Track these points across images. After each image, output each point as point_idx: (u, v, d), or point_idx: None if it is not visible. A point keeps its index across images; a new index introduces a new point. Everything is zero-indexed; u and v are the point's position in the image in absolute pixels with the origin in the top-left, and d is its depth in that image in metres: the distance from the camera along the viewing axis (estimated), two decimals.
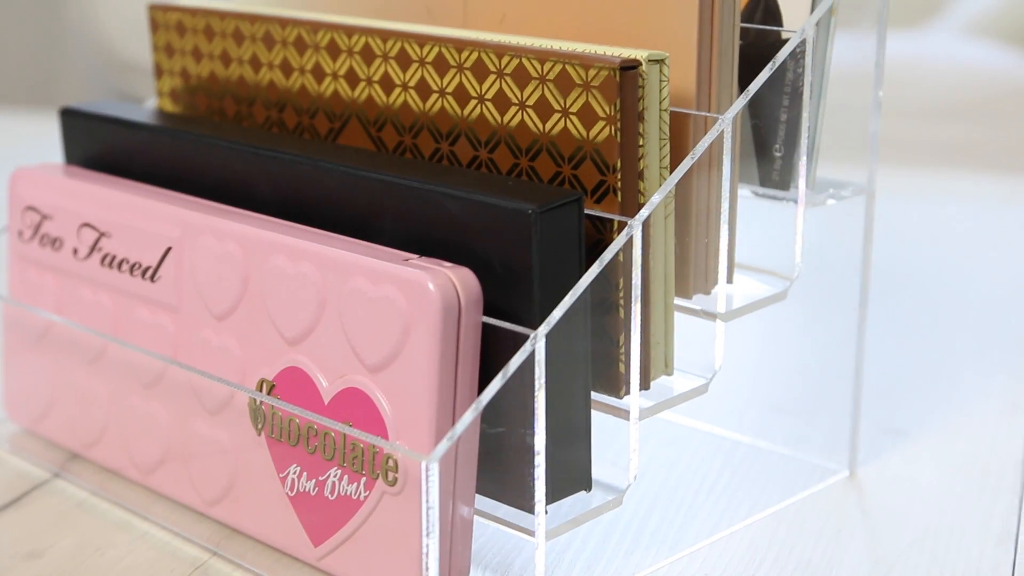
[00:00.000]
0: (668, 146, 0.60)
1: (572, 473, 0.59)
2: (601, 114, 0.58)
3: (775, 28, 0.65)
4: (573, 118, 0.59)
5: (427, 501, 0.53)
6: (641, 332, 0.60)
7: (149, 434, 0.67)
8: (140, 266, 0.66)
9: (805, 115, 0.64)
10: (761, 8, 0.66)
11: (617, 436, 0.64)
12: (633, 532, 0.66)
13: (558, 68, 0.59)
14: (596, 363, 0.60)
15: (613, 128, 0.58)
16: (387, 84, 0.65)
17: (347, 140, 0.68)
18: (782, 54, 0.62)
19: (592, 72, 0.58)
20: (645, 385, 0.62)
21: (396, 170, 0.60)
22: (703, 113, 0.61)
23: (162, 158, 0.70)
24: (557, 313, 0.55)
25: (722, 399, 0.79)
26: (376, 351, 0.57)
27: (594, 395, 0.61)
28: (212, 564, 0.63)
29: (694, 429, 0.77)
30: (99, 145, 0.73)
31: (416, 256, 0.57)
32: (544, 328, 0.55)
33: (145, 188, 0.68)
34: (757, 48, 0.66)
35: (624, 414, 0.60)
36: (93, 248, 0.68)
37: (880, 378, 0.83)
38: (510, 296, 0.57)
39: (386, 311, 0.56)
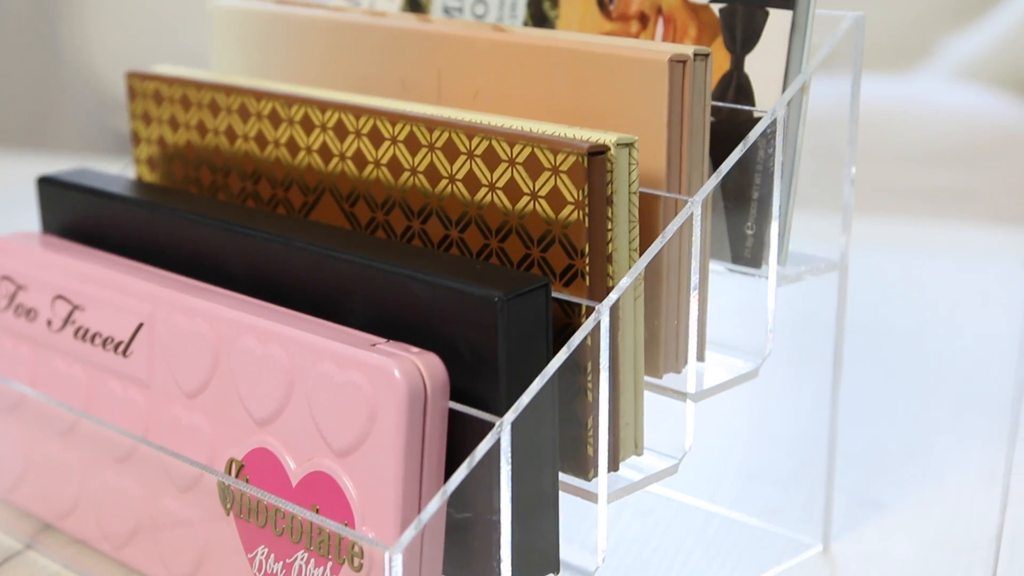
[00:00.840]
0: (637, 228, 0.60)
1: (539, 556, 0.59)
2: (569, 198, 0.58)
3: (749, 108, 0.65)
4: (542, 201, 0.59)
5: None
6: (610, 415, 0.60)
7: (120, 508, 0.67)
8: (112, 340, 0.66)
9: (776, 194, 0.64)
10: (733, 85, 0.67)
11: (588, 514, 0.64)
12: None
13: (527, 151, 0.59)
14: (565, 445, 0.61)
15: (581, 213, 0.58)
16: (360, 160, 0.65)
17: (321, 214, 0.68)
18: (752, 135, 0.63)
19: (561, 156, 0.58)
20: (614, 467, 0.62)
21: (365, 251, 0.61)
22: (673, 195, 0.62)
23: (136, 230, 0.70)
24: (524, 400, 0.55)
25: (699, 468, 0.79)
26: (342, 436, 0.57)
27: (563, 477, 0.61)
28: None
29: (669, 499, 0.77)
30: (75, 215, 0.73)
31: (384, 340, 0.57)
32: (510, 415, 0.55)
33: (118, 261, 0.69)
34: (729, 126, 0.66)
35: (593, 496, 0.60)
36: (67, 320, 0.68)
37: (856, 447, 0.83)
38: (477, 382, 0.57)
39: (352, 396, 0.56)
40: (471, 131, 0.61)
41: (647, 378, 0.64)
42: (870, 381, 0.95)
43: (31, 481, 0.72)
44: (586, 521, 0.66)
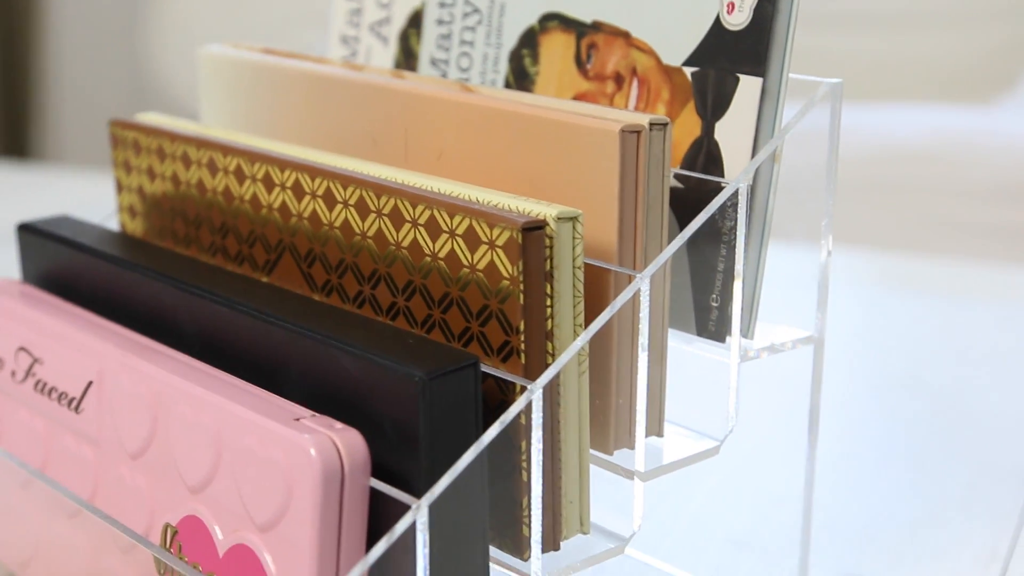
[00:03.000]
0: (582, 303, 0.58)
1: None
2: (505, 274, 0.56)
3: (712, 179, 0.63)
4: (480, 274, 0.57)
5: None
6: (551, 493, 0.59)
7: (71, 562, 0.66)
8: (66, 396, 0.66)
9: (739, 267, 0.62)
10: (703, 152, 0.64)
11: None
12: None
13: (466, 223, 0.57)
14: (503, 524, 0.59)
15: (516, 289, 0.56)
16: (315, 221, 0.64)
17: (281, 272, 0.67)
18: (712, 206, 0.60)
19: (496, 231, 0.56)
20: (554, 546, 0.60)
21: (303, 319, 0.59)
22: (620, 269, 0.59)
23: (101, 284, 0.69)
24: (443, 483, 0.54)
25: (686, 537, 0.76)
26: (263, 511, 0.56)
27: (501, 556, 0.59)
28: None
29: (647, 565, 0.75)
30: (49, 264, 0.73)
31: (309, 414, 0.56)
32: (428, 497, 0.53)
33: (81, 315, 0.68)
34: (699, 193, 0.64)
35: None
36: (28, 372, 0.68)
37: (850, 519, 0.80)
38: (400, 460, 0.55)
39: (271, 472, 0.55)
40: (415, 199, 0.59)
41: (597, 454, 0.62)
42: (883, 443, 0.91)
43: None
44: None
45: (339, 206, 0.63)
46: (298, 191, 0.65)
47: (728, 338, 0.64)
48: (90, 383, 0.64)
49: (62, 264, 0.72)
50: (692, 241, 0.64)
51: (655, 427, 0.63)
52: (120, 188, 0.76)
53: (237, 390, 0.59)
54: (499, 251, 0.56)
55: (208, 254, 0.71)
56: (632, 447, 0.62)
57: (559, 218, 0.56)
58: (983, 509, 0.82)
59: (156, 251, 0.70)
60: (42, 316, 0.68)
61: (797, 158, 0.97)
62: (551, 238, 0.56)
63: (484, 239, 0.57)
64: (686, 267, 0.64)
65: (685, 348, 0.66)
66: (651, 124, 0.59)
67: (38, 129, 2.51)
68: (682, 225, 0.64)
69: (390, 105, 0.68)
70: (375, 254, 0.62)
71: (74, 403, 0.65)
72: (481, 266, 0.57)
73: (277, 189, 0.66)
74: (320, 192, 0.64)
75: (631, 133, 0.59)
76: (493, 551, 0.60)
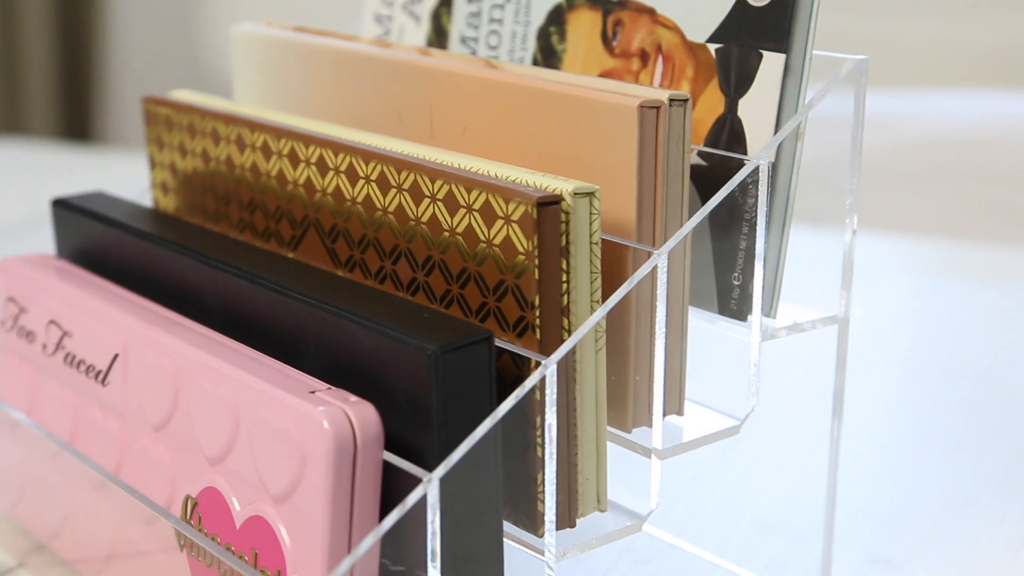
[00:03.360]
0: (599, 279, 0.58)
1: None
2: (520, 249, 0.56)
3: (734, 155, 0.63)
4: (496, 250, 0.57)
5: None
6: (567, 470, 0.59)
7: (97, 533, 0.67)
8: (93, 369, 0.67)
9: (760, 244, 0.61)
10: (727, 130, 0.64)
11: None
12: None
13: (483, 198, 0.57)
14: (517, 500, 0.59)
15: (531, 264, 0.56)
16: (339, 197, 0.65)
17: (306, 249, 0.67)
18: (730, 185, 0.60)
19: (512, 206, 0.56)
20: (570, 523, 0.60)
21: (322, 293, 0.60)
22: (638, 246, 0.59)
23: (131, 259, 0.70)
24: (455, 456, 0.54)
25: (711, 518, 0.76)
26: (278, 482, 0.56)
27: (516, 532, 0.59)
28: None
29: (673, 546, 0.75)
30: (82, 239, 0.74)
31: (325, 387, 0.56)
32: (440, 470, 0.54)
33: (109, 289, 0.69)
34: (720, 171, 0.64)
35: (541, 552, 0.58)
36: (58, 346, 0.69)
37: (883, 502, 0.80)
38: (414, 434, 0.56)
39: (286, 444, 0.55)
40: (434, 174, 0.60)
41: (615, 431, 0.62)
42: (920, 428, 0.90)
43: (28, 500, 0.73)
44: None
45: (361, 181, 0.63)
46: (322, 167, 0.65)
47: (750, 317, 0.63)
48: (116, 356, 0.65)
49: (94, 239, 0.73)
50: (714, 219, 0.63)
51: (675, 406, 0.63)
52: (153, 165, 0.77)
53: (255, 363, 0.59)
54: (514, 226, 0.56)
55: (236, 230, 0.71)
56: (651, 425, 0.62)
57: (575, 193, 0.56)
58: (1019, 494, 0.81)
59: (183, 226, 0.71)
60: (72, 290, 0.69)
61: (827, 139, 0.97)
62: (567, 213, 0.56)
63: (500, 214, 0.57)
64: (709, 246, 0.64)
65: (708, 327, 0.65)
66: (671, 100, 0.59)
67: (98, 112, 2.54)
68: (705, 203, 0.64)
69: (416, 82, 0.68)
70: (396, 229, 0.62)
71: (101, 375, 0.66)
72: (497, 241, 0.57)
73: (302, 165, 0.66)
74: (343, 168, 0.64)
75: (650, 109, 0.59)
76: (508, 527, 0.60)
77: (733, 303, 0.64)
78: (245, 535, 0.58)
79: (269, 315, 0.62)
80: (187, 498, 0.61)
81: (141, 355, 0.64)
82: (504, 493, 0.59)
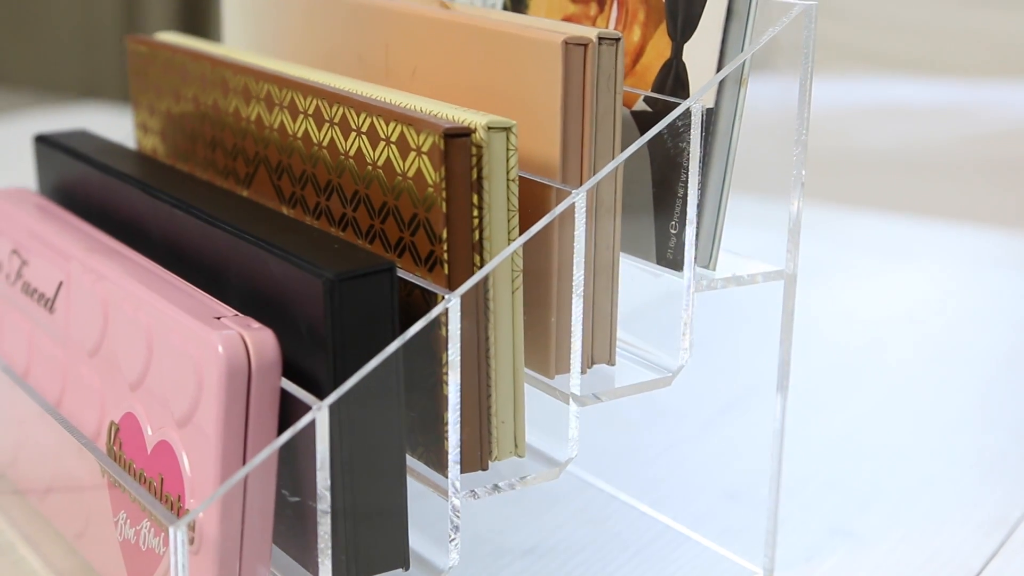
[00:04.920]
0: (516, 218, 0.57)
1: (385, 549, 0.57)
2: (429, 181, 0.56)
3: (672, 99, 0.61)
4: (410, 183, 0.57)
5: (176, 568, 0.52)
6: (478, 410, 0.58)
7: (42, 462, 0.68)
8: (44, 297, 0.67)
9: (692, 191, 0.60)
10: (672, 76, 0.63)
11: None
12: None
13: (399, 131, 0.57)
14: (428, 441, 0.58)
15: (439, 197, 0.55)
16: (283, 133, 0.65)
17: (257, 187, 0.67)
18: (659, 126, 0.59)
19: (422, 137, 0.56)
20: (482, 466, 0.59)
21: (243, 225, 0.60)
22: (557, 185, 0.58)
23: (95, 194, 0.71)
24: (346, 385, 0.53)
25: (681, 484, 0.74)
26: (180, 406, 0.56)
27: (425, 471, 0.59)
28: None
29: (631, 507, 0.74)
30: (57, 174, 0.75)
31: (232, 314, 0.56)
32: (331, 399, 0.53)
33: (69, 222, 0.70)
34: (662, 117, 0.62)
35: (445, 493, 0.57)
36: (18, 275, 0.70)
37: (854, 476, 0.77)
38: (313, 363, 0.55)
39: (186, 367, 0.55)
40: (360, 107, 0.59)
41: (537, 376, 0.61)
42: (901, 398, 0.88)
43: None
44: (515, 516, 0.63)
45: (300, 116, 0.63)
46: (269, 103, 0.65)
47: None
48: (60, 283, 0.66)
49: (65, 175, 0.74)
50: (654, 166, 0.62)
51: (605, 355, 0.62)
52: (135, 105, 0.78)
53: (175, 290, 0.59)
54: (424, 158, 0.56)
55: (201, 168, 0.72)
56: (581, 372, 0.61)
57: (490, 127, 0.55)
58: (1002, 476, 0.78)
59: (143, 164, 0.71)
60: (34, 222, 0.70)
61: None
62: (479, 147, 0.55)
63: (413, 146, 0.56)
64: (650, 194, 0.63)
65: (653, 279, 0.64)
66: (600, 38, 0.58)
67: None
68: (651, 150, 0.63)
69: (374, 23, 0.68)
70: (328, 164, 0.62)
71: (49, 303, 0.67)
72: (411, 173, 0.57)
73: (253, 102, 0.66)
74: (286, 103, 0.64)
75: (576, 46, 0.57)
76: (420, 466, 0.59)
77: (670, 252, 0.62)
78: (154, 460, 0.58)
79: (199, 245, 0.62)
80: (111, 424, 0.62)
81: (79, 282, 0.64)
82: (417, 433, 0.59)
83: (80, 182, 0.72)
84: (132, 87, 0.77)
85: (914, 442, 0.83)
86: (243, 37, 0.79)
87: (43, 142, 0.76)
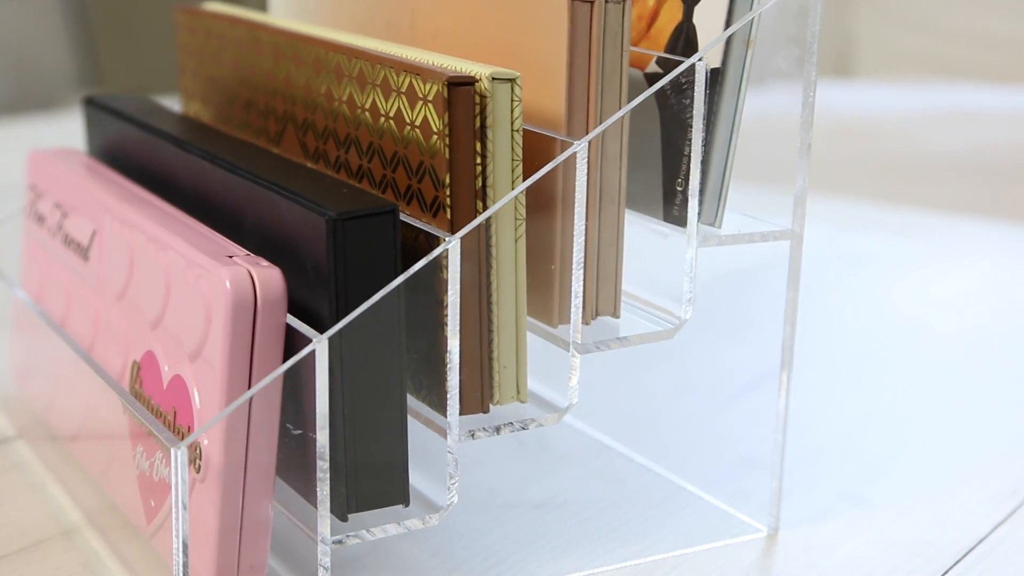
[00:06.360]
0: (520, 167, 0.59)
1: (385, 485, 0.59)
2: (434, 128, 0.58)
3: (678, 59, 0.63)
4: (417, 131, 0.59)
5: (177, 489, 0.54)
6: (479, 354, 0.60)
7: (74, 405, 0.71)
8: (81, 247, 0.70)
9: (695, 149, 0.61)
10: (683, 38, 0.64)
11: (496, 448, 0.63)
12: (498, 553, 0.65)
13: (408, 81, 0.59)
14: (432, 383, 0.60)
15: (442, 144, 0.57)
16: (308, 91, 0.67)
17: (286, 144, 0.70)
18: (662, 82, 0.60)
19: (428, 86, 0.58)
20: (483, 409, 0.61)
21: (262, 173, 0.62)
22: (560, 136, 0.60)
23: (133, 151, 0.74)
24: (345, 320, 0.55)
25: (699, 448, 0.76)
26: (191, 341, 0.58)
27: (427, 412, 0.61)
28: (81, 533, 0.66)
29: (646, 468, 0.75)
30: (103, 135, 0.78)
31: (244, 253, 0.59)
32: (330, 332, 0.55)
33: (109, 177, 0.73)
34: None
35: (444, 432, 0.59)
36: (59, 227, 0.73)
37: (871, 441, 0.78)
38: (317, 301, 0.57)
39: (197, 303, 0.58)
40: (376, 60, 0.61)
41: (540, 324, 0.63)
42: (909, 370, 0.88)
43: (33, 375, 0.77)
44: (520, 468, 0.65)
45: (324, 73, 0.65)
46: (296, 61, 0.67)
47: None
48: (94, 232, 0.69)
49: (109, 135, 0.77)
50: (663, 124, 0.64)
51: (609, 307, 0.63)
52: (180, 72, 0.81)
53: (196, 234, 0.62)
54: (430, 105, 0.58)
55: (238, 130, 0.74)
56: (585, 322, 0.63)
57: (494, 78, 0.57)
58: (1023, 453, 0.78)
59: (177, 120, 0.74)
60: (76, 177, 0.73)
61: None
62: (483, 96, 0.57)
63: (420, 95, 0.58)
64: (659, 152, 0.64)
65: (662, 237, 0.65)
66: None
67: None
68: (660, 109, 0.64)
69: None
70: (347, 118, 0.64)
71: (84, 251, 0.70)
72: (418, 122, 0.59)
73: (282, 61, 0.69)
74: (310, 60, 0.66)
75: (583, 3, 0.59)
76: (422, 407, 0.61)
77: (675, 209, 0.64)
78: (169, 395, 0.61)
79: (222, 194, 0.64)
80: (133, 363, 0.64)
81: (111, 230, 0.67)
82: (421, 376, 0.61)
83: (122, 142, 0.75)
84: (179, 55, 0.80)
85: (940, 419, 0.83)
86: (286, 7, 0.82)
87: (91, 104, 0.79)
